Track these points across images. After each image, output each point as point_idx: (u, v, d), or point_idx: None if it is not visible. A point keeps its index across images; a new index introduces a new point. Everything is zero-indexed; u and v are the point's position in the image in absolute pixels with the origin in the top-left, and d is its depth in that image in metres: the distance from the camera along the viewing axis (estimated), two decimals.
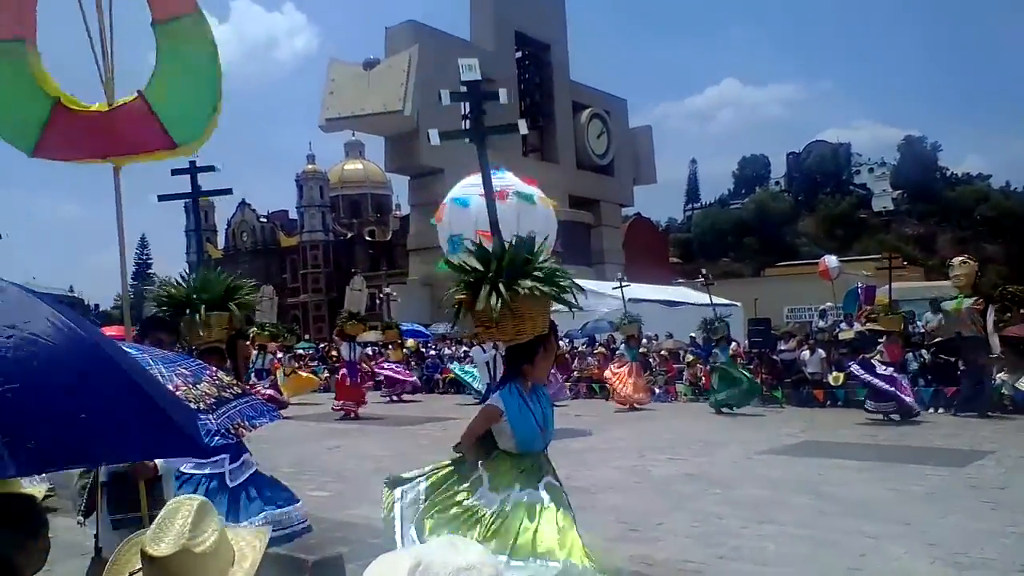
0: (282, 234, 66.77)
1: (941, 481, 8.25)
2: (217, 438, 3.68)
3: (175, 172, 6.93)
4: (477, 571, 1.44)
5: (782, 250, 76.67)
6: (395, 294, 27.62)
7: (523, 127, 6.41)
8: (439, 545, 1.51)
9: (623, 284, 18.99)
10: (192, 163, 6.77)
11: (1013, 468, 8.82)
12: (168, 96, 3.81)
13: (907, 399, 13.11)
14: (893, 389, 12.95)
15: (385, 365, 21.08)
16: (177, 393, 3.28)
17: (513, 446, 3.80)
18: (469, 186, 12.14)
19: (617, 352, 18.49)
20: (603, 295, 23.80)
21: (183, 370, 3.85)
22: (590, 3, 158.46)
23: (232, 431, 3.91)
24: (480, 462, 3.86)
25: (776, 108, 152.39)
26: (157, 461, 3.63)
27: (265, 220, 68.75)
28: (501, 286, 3.68)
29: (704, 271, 21.54)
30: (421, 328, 27.69)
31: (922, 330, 17.61)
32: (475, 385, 18.73)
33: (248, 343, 5.81)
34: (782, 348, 17.78)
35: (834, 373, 16.56)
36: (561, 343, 21.74)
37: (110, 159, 3.93)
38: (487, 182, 5.83)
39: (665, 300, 23.76)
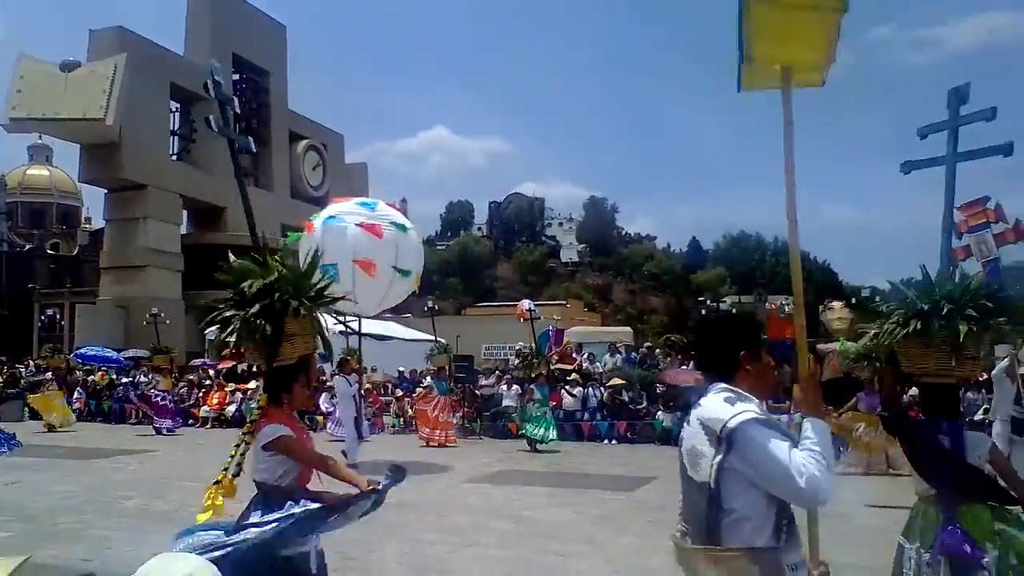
0: None
1: (616, 504, 9.48)
2: None
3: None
4: None
5: (481, 291, 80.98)
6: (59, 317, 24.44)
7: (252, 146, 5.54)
8: (157, 561, 1.55)
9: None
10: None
11: (672, 492, 10.31)
12: None
13: None
14: None
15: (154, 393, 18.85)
16: None
17: None
18: (347, 213, 11.49)
19: (423, 385, 17.61)
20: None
21: None
22: (311, 37, 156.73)
23: None
24: None
25: (482, 158, 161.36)
26: None
27: None
28: None
29: (431, 303, 22.07)
30: (112, 353, 25.21)
31: (601, 370, 19.86)
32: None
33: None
34: (483, 383, 18.97)
35: None
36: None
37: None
38: (242, 187, 5.04)
39: (375, 334, 24.20)
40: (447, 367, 16.93)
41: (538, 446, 14.95)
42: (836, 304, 15.08)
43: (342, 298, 4.00)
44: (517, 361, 22.01)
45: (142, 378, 21.36)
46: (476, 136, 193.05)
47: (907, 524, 3.71)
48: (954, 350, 3.58)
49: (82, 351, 24.02)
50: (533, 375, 16.04)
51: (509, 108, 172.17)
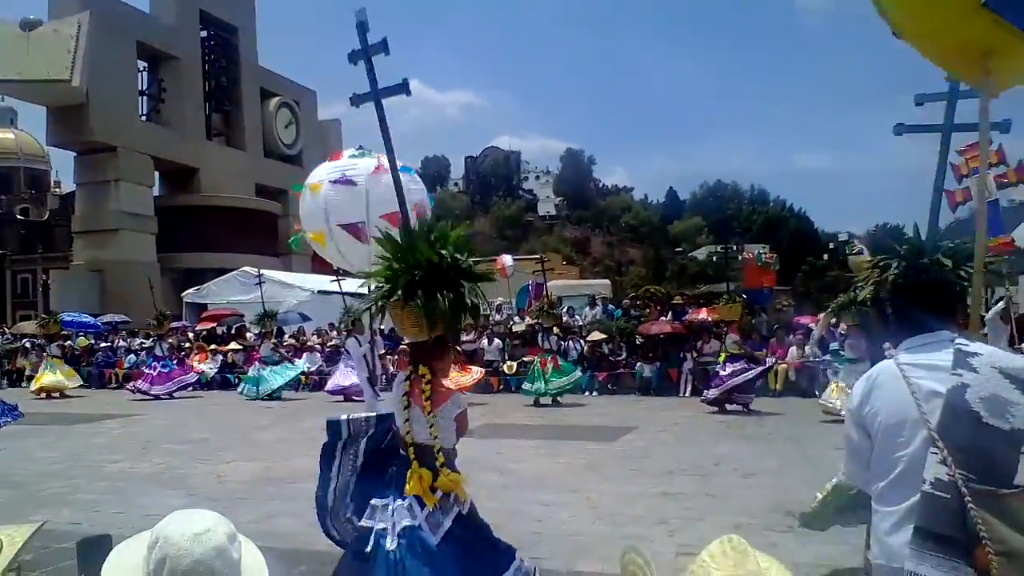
0: None
1: (599, 453, 9.64)
2: None
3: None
4: (213, 532, 1.50)
5: None
6: (49, 281, 23.81)
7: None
8: (174, 518, 1.54)
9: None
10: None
11: (652, 441, 10.57)
12: None
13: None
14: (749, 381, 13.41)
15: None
16: None
17: None
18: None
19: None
20: (292, 286, 23.52)
21: None
22: None
23: None
24: None
25: (457, 112, 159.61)
26: None
27: None
28: None
29: None
30: (89, 318, 24.99)
31: (580, 323, 20.01)
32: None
33: None
34: (464, 339, 19.02)
35: (508, 362, 18.23)
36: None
37: None
38: (390, 150, 4.81)
39: (355, 292, 24.36)
40: None
41: (558, 399, 15.06)
42: (865, 248, 15.65)
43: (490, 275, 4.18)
44: (498, 316, 22.12)
45: (120, 343, 21.17)
46: (451, 90, 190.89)
47: None
48: None
49: (59, 317, 23.80)
50: (547, 326, 15.91)
51: (484, 61, 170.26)
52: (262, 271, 20.59)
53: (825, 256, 57.90)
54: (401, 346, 18.56)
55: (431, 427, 3.62)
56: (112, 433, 12.42)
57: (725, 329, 14.20)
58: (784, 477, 7.95)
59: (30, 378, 21.39)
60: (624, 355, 17.78)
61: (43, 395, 18.34)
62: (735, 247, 36.40)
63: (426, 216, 11.02)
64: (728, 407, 13.33)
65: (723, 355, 13.75)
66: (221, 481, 8.41)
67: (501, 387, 17.47)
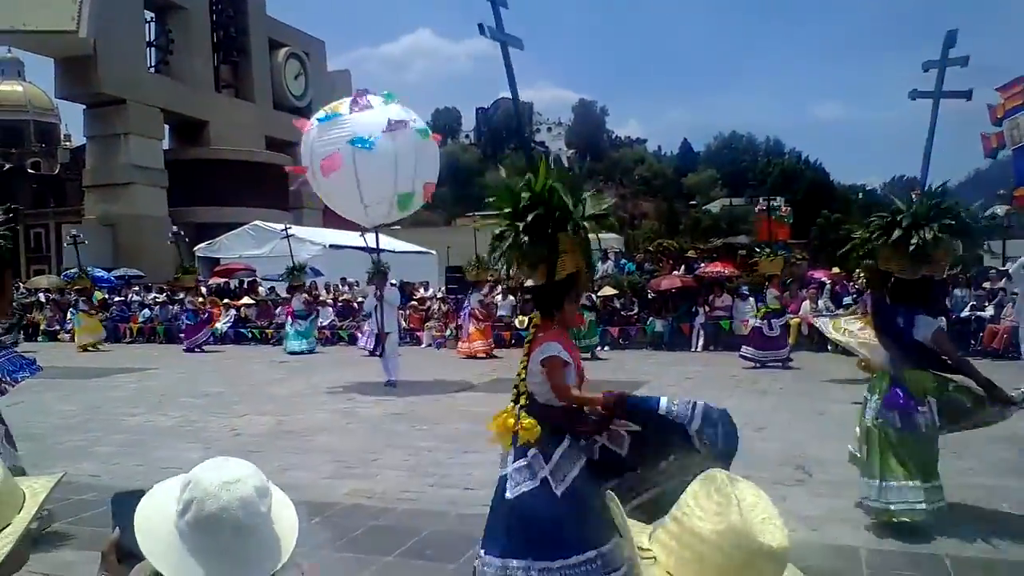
0: None
1: None
2: None
3: None
4: (243, 483, 1.52)
5: (471, 200, 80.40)
6: (80, 236, 23.39)
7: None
8: (209, 464, 1.55)
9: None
10: None
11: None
12: None
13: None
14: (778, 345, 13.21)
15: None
16: None
17: None
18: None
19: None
20: (303, 241, 23.55)
21: None
22: None
23: None
24: None
25: (467, 63, 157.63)
26: None
27: None
28: None
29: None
30: (103, 272, 25.19)
31: (592, 277, 19.98)
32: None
33: None
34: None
35: (520, 317, 18.24)
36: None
37: None
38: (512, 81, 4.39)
39: (363, 247, 24.48)
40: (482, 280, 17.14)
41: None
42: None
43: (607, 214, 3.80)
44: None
45: (134, 297, 21.26)
46: (461, 39, 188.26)
47: (869, 385, 4.99)
48: (911, 256, 4.59)
49: (72, 271, 23.99)
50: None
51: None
52: (289, 226, 20.53)
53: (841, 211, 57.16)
54: (412, 301, 18.68)
55: (523, 368, 3.55)
56: (128, 387, 12.56)
57: (766, 284, 13.80)
58: (795, 431, 7.98)
59: (45, 332, 21.67)
60: (636, 310, 17.76)
61: (90, 349, 18.56)
62: (766, 199, 35.64)
63: (335, 168, 10.93)
64: (768, 365, 12.98)
65: (762, 310, 13.48)
66: (236, 434, 8.52)
67: (513, 341, 17.51)
